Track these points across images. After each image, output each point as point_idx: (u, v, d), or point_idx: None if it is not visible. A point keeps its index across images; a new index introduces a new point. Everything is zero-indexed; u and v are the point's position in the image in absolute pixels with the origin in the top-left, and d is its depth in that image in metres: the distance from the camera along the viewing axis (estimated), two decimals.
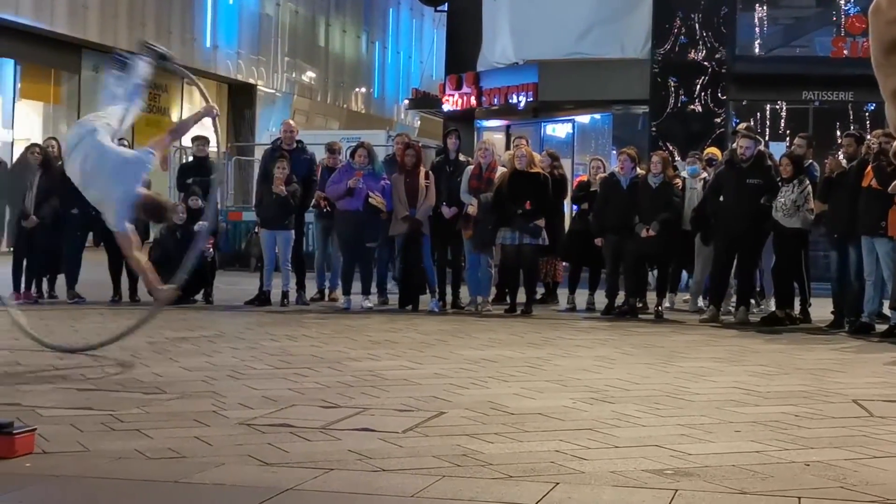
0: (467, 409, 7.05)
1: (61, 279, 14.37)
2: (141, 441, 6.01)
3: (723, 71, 22.04)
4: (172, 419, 6.64)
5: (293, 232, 14.35)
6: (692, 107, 21.96)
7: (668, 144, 20.71)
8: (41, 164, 14.16)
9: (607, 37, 23.08)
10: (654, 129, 22.07)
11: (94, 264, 14.95)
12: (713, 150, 15.85)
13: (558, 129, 26.49)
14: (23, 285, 14.14)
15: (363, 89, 46.91)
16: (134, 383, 7.97)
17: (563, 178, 15.23)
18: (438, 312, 13.66)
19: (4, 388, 7.73)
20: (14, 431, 5.62)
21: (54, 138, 15.49)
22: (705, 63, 21.98)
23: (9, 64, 26.14)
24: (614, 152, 22.43)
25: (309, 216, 15.59)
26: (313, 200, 14.67)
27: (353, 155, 14.21)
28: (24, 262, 14.16)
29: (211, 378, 8.23)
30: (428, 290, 13.98)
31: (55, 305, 13.79)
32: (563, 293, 14.95)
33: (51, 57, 27.71)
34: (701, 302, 14.35)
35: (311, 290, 14.85)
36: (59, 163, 14.35)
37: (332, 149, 15.14)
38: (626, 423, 6.74)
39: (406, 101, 38.27)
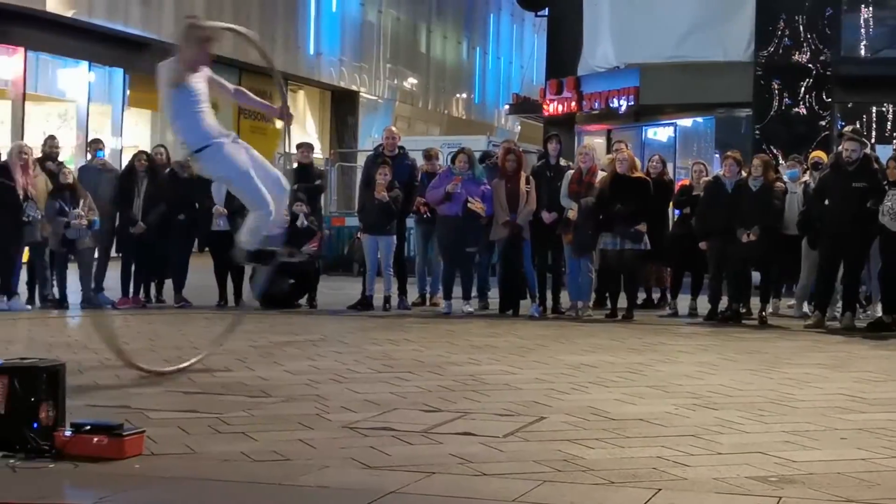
0: (568, 415, 7.06)
1: (168, 284, 14.63)
2: (246, 443, 6.12)
3: (827, 73, 21.68)
4: (277, 422, 6.74)
5: (395, 237, 14.45)
6: (796, 110, 21.63)
7: (771, 148, 20.42)
8: (148, 171, 14.44)
9: (709, 39, 22.83)
10: (757, 132, 21.78)
11: (200, 269, 15.20)
12: (818, 154, 15.60)
13: (660, 133, 26.29)
14: (131, 290, 14.42)
15: (464, 95, 47.01)
16: (239, 387, 8.10)
17: (671, 182, 15.14)
18: (539, 317, 13.65)
19: (114, 390, 7.91)
20: (124, 433, 5.76)
21: (162, 146, 15.82)
22: (810, 65, 21.65)
23: (118, 73, 26.70)
24: (717, 156, 22.19)
25: (410, 221, 15.68)
26: (414, 206, 14.75)
27: (453, 160, 14.27)
28: (133, 268, 14.44)
29: (315, 382, 8.33)
30: (528, 295, 13.98)
31: (163, 310, 14.05)
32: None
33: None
34: (806, 307, 14.14)
35: (412, 294, 14.94)
36: (167, 170, 14.66)
37: (428, 155, 15.20)
38: (730, 429, 6.69)
39: (506, 107, 38.25)
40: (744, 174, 13.67)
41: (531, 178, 14.00)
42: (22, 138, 20.24)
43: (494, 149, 18.31)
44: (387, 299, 14.30)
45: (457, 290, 14.07)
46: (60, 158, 15.31)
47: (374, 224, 14.33)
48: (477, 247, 14.04)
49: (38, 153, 14.63)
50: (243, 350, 10.11)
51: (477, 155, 15.51)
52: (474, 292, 14.35)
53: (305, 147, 15.55)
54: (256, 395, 7.72)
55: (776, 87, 21.67)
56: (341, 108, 36.98)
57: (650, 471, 5.58)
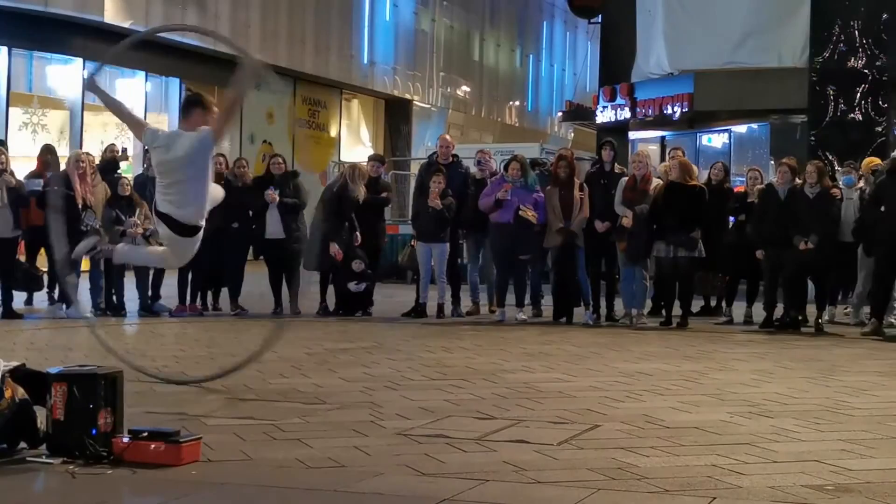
0: (622, 423, 7.05)
1: (224, 292, 14.73)
2: (301, 450, 6.16)
3: (883, 78, 21.46)
4: (332, 429, 6.79)
5: (448, 245, 14.47)
6: (852, 115, 21.42)
7: (827, 154, 20.24)
8: None
9: (764, 45, 22.73)
10: (812, 138, 21.60)
11: (255, 277, 15.30)
12: (873, 160, 15.46)
13: (714, 140, 26.18)
14: (188, 298, 14.53)
15: (517, 102, 46.99)
16: (294, 393, 8.16)
17: (729, 190, 15.04)
18: (593, 325, 13.62)
19: (171, 397, 7.99)
20: (181, 440, 5.82)
21: (221, 154, 15.90)
22: (865, 71, 21.44)
23: (175, 83, 26.96)
24: (772, 163, 22.06)
25: None
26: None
27: (506, 168, 14.29)
28: (189, 276, 14.55)
29: (369, 389, 8.37)
30: (582, 303, 13.95)
31: (219, 318, 14.16)
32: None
33: (214, 75, 28.42)
34: (863, 314, 13.99)
35: (465, 302, 14.95)
36: (222, 179, 14.75)
37: (478, 160, 15.21)
38: (785, 437, 6.65)
39: (560, 114, 38.20)
40: (797, 181, 13.57)
41: (584, 185, 13.97)
42: (80, 148, 20.46)
43: (547, 156, 18.29)
44: (440, 307, 14.33)
45: (510, 298, 14.08)
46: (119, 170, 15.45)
47: (427, 232, 14.37)
48: (530, 254, 14.04)
49: (97, 161, 14.78)
50: (298, 357, 10.18)
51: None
52: (528, 300, 14.35)
53: (376, 160, 15.56)
54: (311, 402, 7.77)
55: (831, 92, 21.48)
56: (395, 117, 37.12)
57: (705, 479, 5.56)
